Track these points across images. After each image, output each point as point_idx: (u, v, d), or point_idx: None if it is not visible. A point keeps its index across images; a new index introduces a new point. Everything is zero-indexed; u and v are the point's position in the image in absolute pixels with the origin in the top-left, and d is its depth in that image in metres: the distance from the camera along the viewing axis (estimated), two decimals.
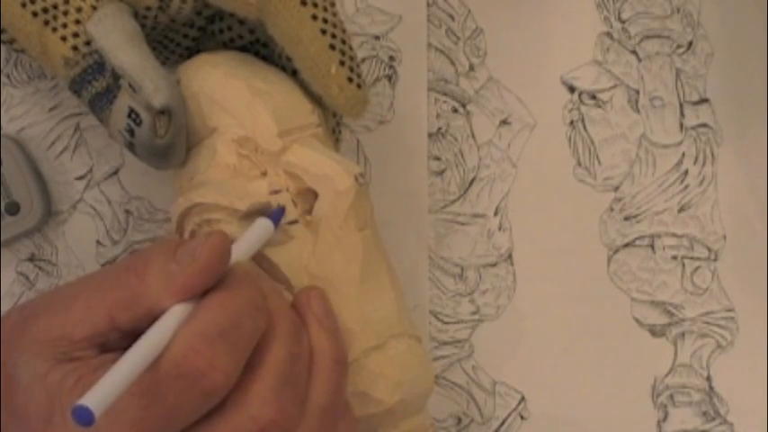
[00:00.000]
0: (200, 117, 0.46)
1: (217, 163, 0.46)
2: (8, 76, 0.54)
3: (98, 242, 0.55)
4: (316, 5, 0.46)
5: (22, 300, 0.55)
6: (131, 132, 0.44)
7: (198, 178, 0.46)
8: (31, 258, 0.55)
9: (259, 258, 0.44)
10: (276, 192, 0.45)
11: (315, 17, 0.46)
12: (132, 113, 0.44)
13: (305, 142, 0.46)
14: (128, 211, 0.55)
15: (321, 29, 0.46)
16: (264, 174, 0.46)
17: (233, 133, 0.46)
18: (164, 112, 0.44)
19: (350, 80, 0.46)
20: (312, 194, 0.46)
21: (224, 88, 0.46)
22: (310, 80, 0.47)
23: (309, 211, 0.46)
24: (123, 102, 0.44)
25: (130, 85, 0.43)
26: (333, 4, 0.46)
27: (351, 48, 0.47)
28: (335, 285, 0.45)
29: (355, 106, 0.47)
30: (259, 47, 0.49)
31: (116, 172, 0.55)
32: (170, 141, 0.45)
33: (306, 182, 0.45)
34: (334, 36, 0.46)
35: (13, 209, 0.53)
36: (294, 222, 0.45)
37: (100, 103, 0.45)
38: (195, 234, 0.46)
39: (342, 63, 0.46)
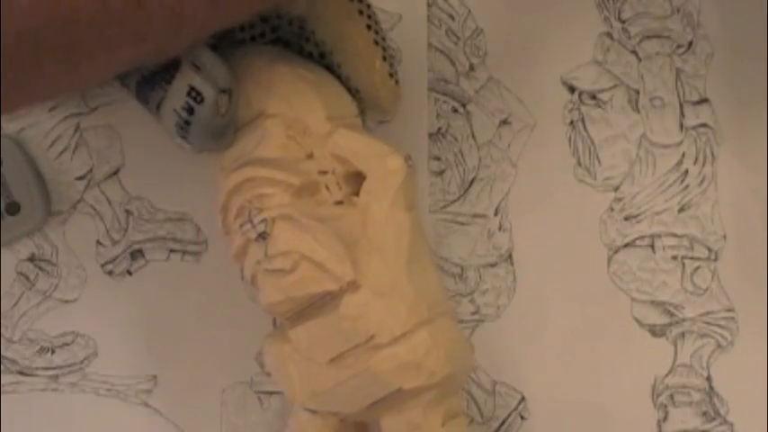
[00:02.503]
0: (245, 100, 0.47)
1: (267, 143, 0.47)
2: None
3: (98, 242, 0.55)
4: (361, 1, 0.47)
5: (22, 300, 0.55)
6: (190, 110, 0.45)
7: (247, 157, 0.47)
8: (31, 258, 0.55)
9: (314, 229, 0.45)
10: (323, 172, 0.46)
11: (361, 12, 0.47)
12: (193, 92, 0.45)
13: (350, 127, 0.47)
14: (128, 211, 0.55)
15: (367, 24, 0.47)
16: (311, 156, 0.46)
17: (282, 115, 0.47)
18: (225, 90, 0.44)
19: (390, 75, 0.49)
20: (356, 178, 0.47)
21: (270, 72, 0.48)
22: (354, 73, 0.48)
23: (354, 194, 0.47)
24: (183, 80, 0.45)
25: (194, 64, 0.44)
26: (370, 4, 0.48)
27: (389, 45, 0.48)
28: (388, 259, 0.46)
29: (394, 100, 0.50)
30: (281, 45, 0.50)
31: (116, 172, 0.55)
32: (229, 120, 0.46)
33: (353, 164, 0.47)
34: (377, 32, 0.48)
35: (14, 209, 0.53)
36: (340, 203, 0.46)
37: (153, 82, 0.45)
38: (243, 210, 0.46)
39: (384, 58, 0.48)
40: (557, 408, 0.54)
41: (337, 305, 0.45)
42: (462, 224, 0.55)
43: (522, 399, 0.54)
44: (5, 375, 0.55)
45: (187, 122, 0.45)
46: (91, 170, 0.55)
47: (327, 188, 0.46)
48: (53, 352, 0.55)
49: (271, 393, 0.54)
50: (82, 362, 0.55)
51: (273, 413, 0.55)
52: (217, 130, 0.46)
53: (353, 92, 0.49)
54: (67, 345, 0.55)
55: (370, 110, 0.51)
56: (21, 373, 0.55)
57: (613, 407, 0.54)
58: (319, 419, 0.48)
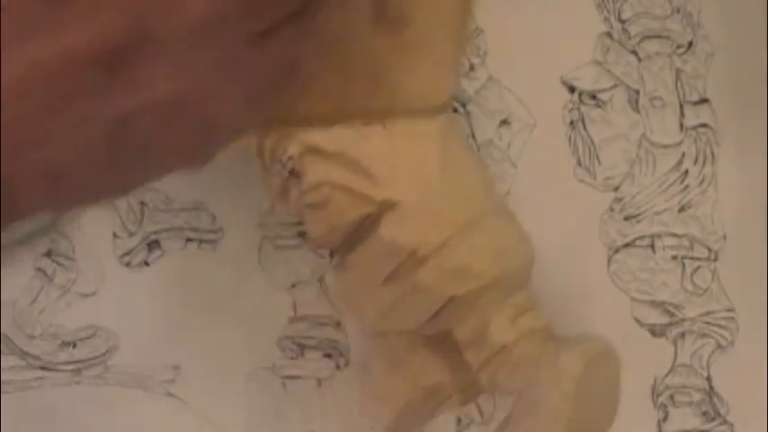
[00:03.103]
0: None
1: None
2: None
3: (114, 234, 0.56)
4: None
5: (41, 296, 0.56)
6: None
7: None
8: (49, 254, 0.56)
9: (339, 156, 0.45)
10: None
11: None
12: None
13: None
14: (143, 203, 0.56)
15: None
16: None
17: None
18: None
19: None
20: None
21: None
22: None
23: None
24: None
25: None
26: None
27: None
28: (418, 173, 0.45)
29: None
30: None
31: None
32: None
33: None
34: None
35: None
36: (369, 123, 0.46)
37: None
38: (274, 151, 0.46)
39: None
40: None
41: (378, 225, 0.45)
42: None
43: None
44: (29, 371, 0.56)
45: None
46: None
47: None
48: (74, 346, 0.56)
49: (294, 378, 0.55)
50: (104, 354, 0.56)
51: (297, 397, 0.55)
52: None
53: None
54: (89, 338, 0.56)
55: None
56: (43, 368, 0.56)
57: None
58: (394, 339, 0.48)
